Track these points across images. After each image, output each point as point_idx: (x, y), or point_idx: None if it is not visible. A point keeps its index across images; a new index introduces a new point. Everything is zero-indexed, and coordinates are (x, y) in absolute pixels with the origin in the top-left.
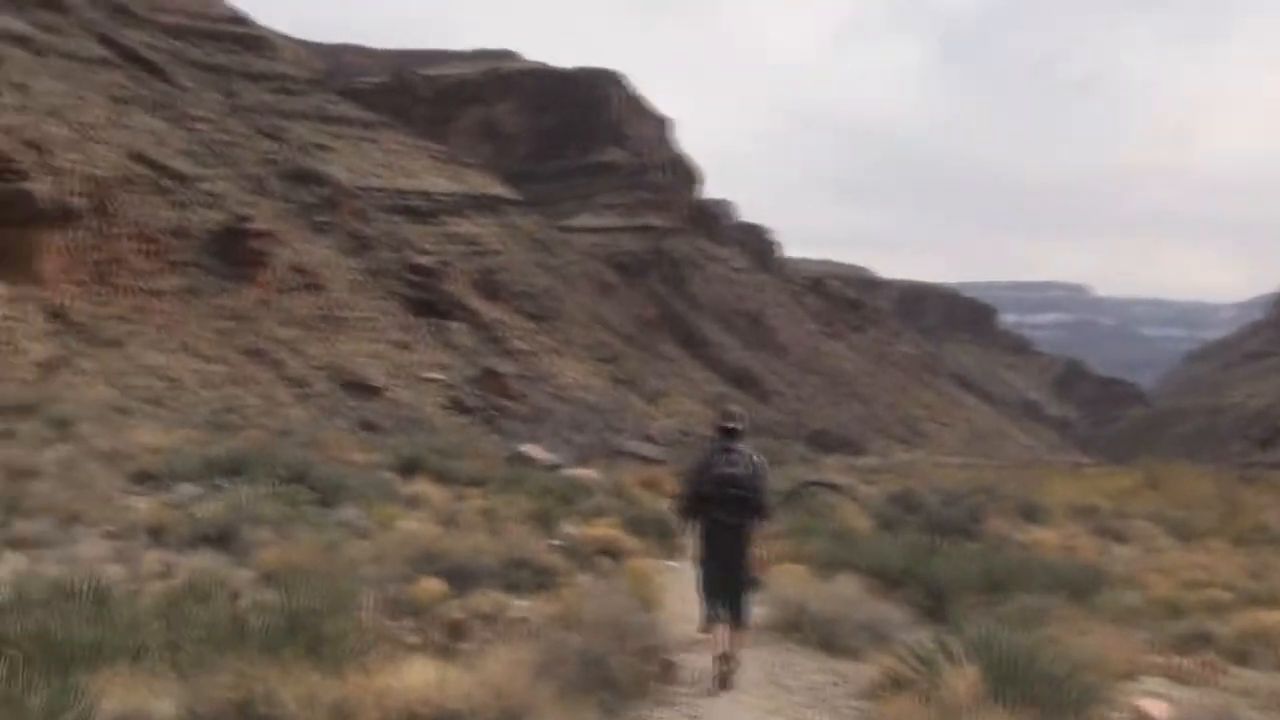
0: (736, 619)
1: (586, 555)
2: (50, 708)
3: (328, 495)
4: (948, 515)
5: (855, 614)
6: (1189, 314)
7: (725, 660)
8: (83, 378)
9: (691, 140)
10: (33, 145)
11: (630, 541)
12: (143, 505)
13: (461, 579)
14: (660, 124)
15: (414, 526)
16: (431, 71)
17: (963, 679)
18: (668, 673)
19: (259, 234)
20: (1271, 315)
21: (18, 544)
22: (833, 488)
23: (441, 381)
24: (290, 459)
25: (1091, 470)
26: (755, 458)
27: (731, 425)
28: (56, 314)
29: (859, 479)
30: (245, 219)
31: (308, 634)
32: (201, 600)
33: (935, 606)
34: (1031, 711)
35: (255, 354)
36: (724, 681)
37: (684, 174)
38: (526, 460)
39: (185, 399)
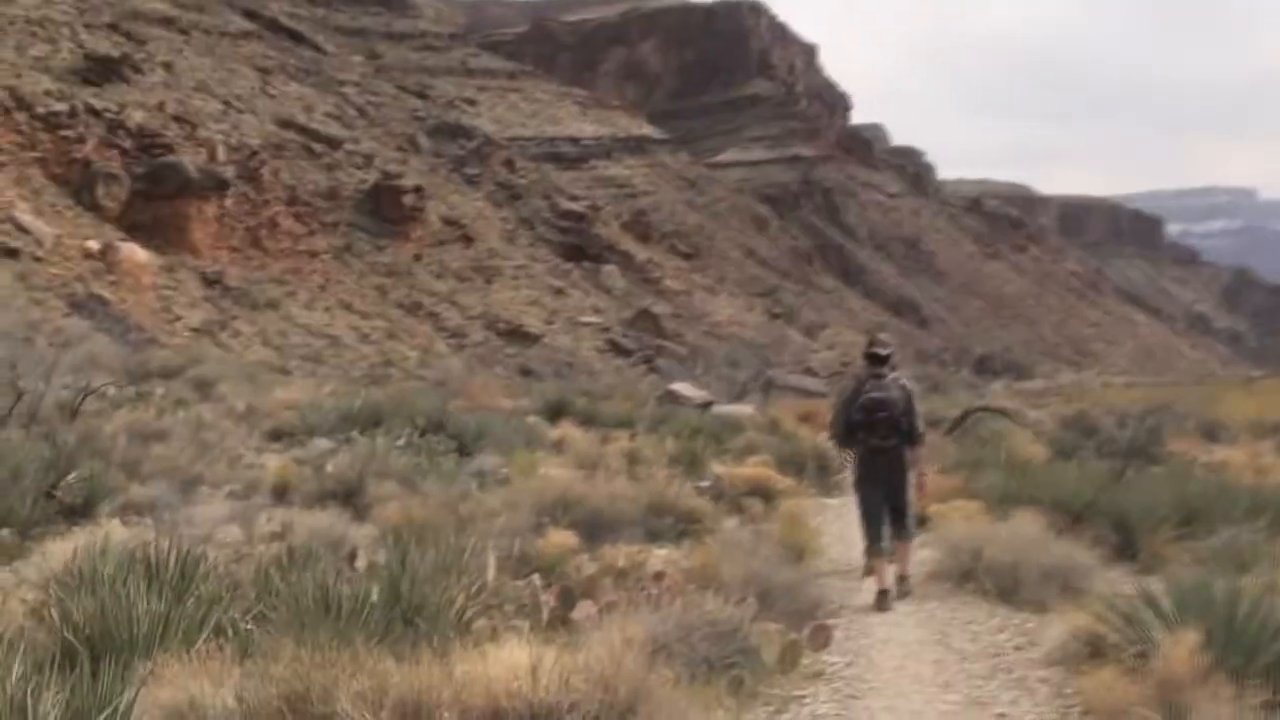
0: (900, 533)
1: (735, 497)
2: (78, 707)
3: (466, 443)
4: (1127, 438)
5: (1037, 558)
6: None
7: (885, 597)
8: (239, 340)
9: (839, 65)
10: (180, 119)
11: (783, 480)
12: (272, 462)
13: (597, 529)
14: (806, 51)
15: (554, 473)
16: (572, 17)
17: (1180, 645)
18: (821, 638)
19: (409, 190)
20: None
21: (128, 509)
22: (1002, 414)
23: (597, 325)
24: (429, 408)
25: (1269, 383)
26: (903, 382)
27: (879, 352)
28: (211, 281)
29: (1027, 404)
30: (395, 176)
31: (405, 606)
32: (304, 565)
33: (1125, 544)
34: (1268, 687)
35: (412, 308)
36: (883, 602)
37: (832, 101)
38: (677, 399)
39: (345, 356)
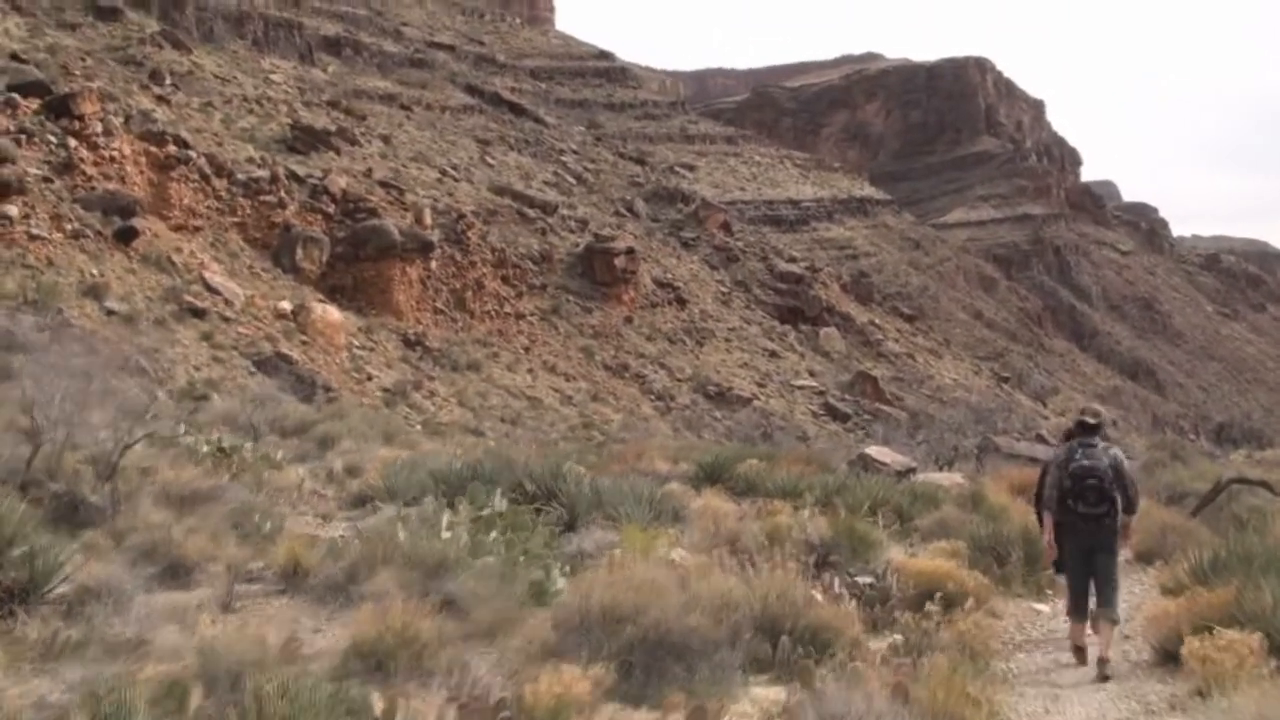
0: (1104, 608)
1: (903, 600)
2: None
3: (578, 515)
4: None
5: None
6: None
7: (1083, 653)
8: (434, 400)
9: (1067, 120)
10: (387, 185)
11: (973, 576)
12: (301, 536)
13: (658, 657)
14: (1034, 107)
15: (675, 555)
16: (794, 83)
17: None
18: None
19: (621, 252)
20: None
21: (80, 593)
22: (1265, 487)
23: (812, 388)
24: (541, 471)
25: None
26: (1114, 451)
27: (1088, 420)
28: (412, 342)
29: (1273, 475)
30: (608, 239)
31: None
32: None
33: None
34: None
35: (618, 370)
36: (1082, 657)
37: (1061, 157)
38: (871, 464)
39: (545, 417)
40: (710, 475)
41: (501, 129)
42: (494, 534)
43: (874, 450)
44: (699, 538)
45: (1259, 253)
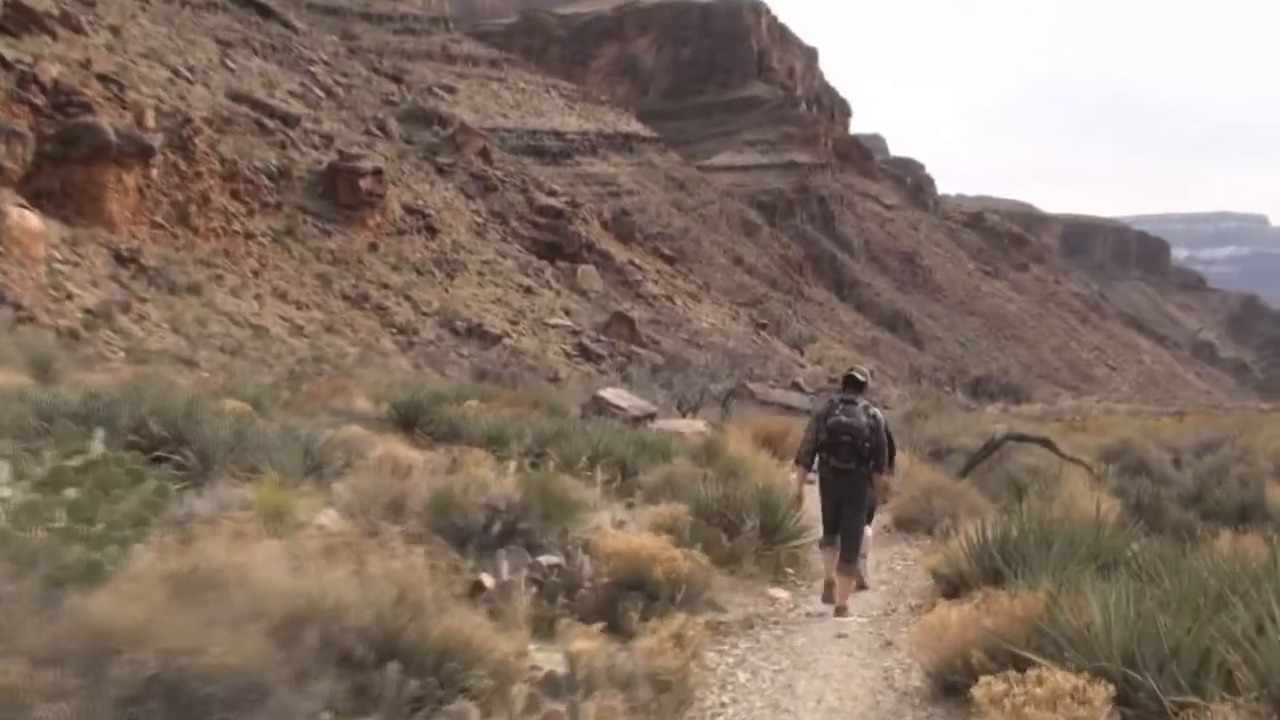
0: (844, 563)
1: (594, 590)
2: None
3: (210, 465)
4: (1234, 489)
5: None
6: None
7: (831, 587)
8: (143, 325)
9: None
10: (109, 79)
11: (690, 555)
12: None
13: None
14: (807, 55)
15: (322, 519)
16: (565, 9)
17: None
18: None
19: (368, 173)
20: None
21: None
22: (1045, 444)
23: (567, 328)
24: (169, 407)
25: None
26: (874, 410)
27: (858, 378)
28: (124, 258)
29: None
30: (354, 158)
31: None
32: None
33: None
34: None
35: (358, 300)
36: (830, 594)
37: (831, 107)
38: (605, 408)
39: (271, 349)
40: (407, 417)
41: (246, 31)
42: (71, 492)
43: (609, 393)
44: (356, 497)
45: (1023, 214)
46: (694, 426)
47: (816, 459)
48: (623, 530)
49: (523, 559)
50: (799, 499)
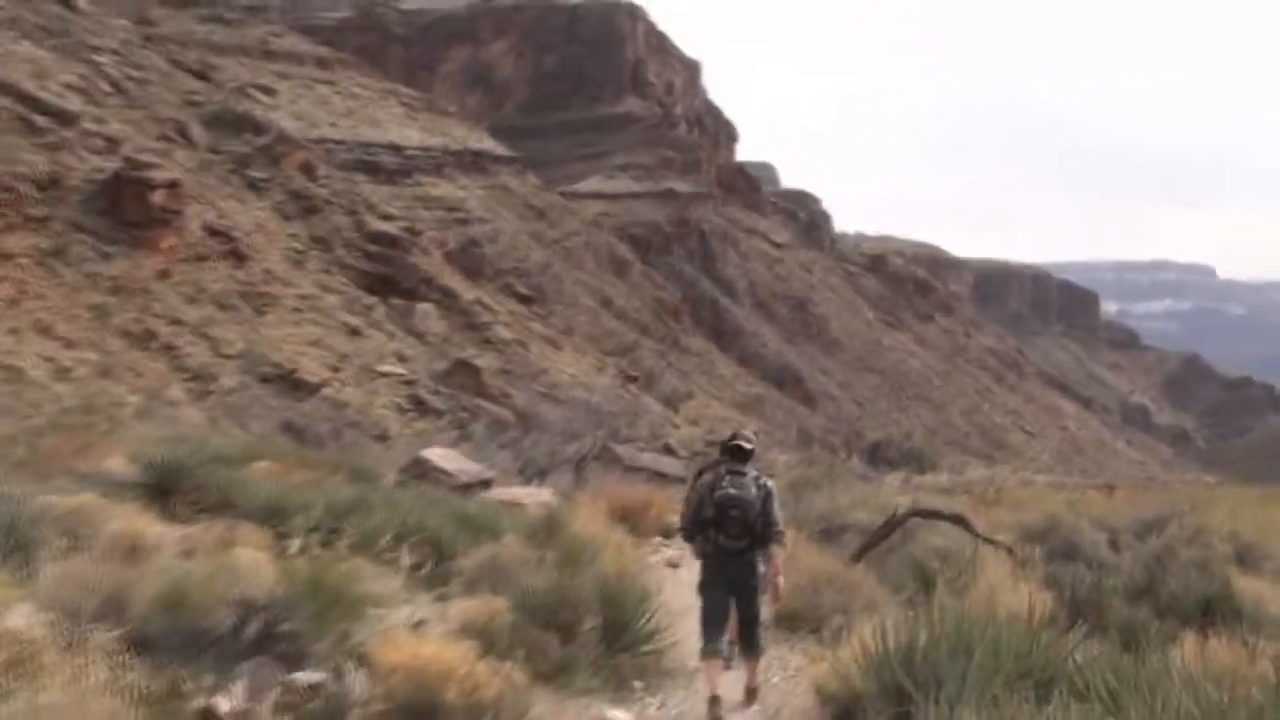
0: (748, 648)
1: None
2: None
3: None
4: (1193, 581)
5: None
6: None
7: (717, 704)
8: None
9: (726, 91)
10: None
11: (501, 670)
12: None
13: None
14: (689, 68)
15: (10, 625)
16: (409, 5)
17: None
18: None
19: (164, 185)
20: None
21: None
22: (957, 522)
23: (400, 376)
24: None
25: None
26: (763, 481)
27: (744, 445)
28: None
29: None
30: (147, 167)
31: None
32: None
33: None
34: None
35: (143, 338)
36: (716, 710)
37: (715, 130)
38: (430, 473)
39: (27, 395)
40: (165, 482)
41: (15, 9)
42: None
43: (434, 454)
44: (64, 590)
45: (929, 258)
46: (538, 496)
47: (698, 539)
48: (421, 633)
49: (271, 677)
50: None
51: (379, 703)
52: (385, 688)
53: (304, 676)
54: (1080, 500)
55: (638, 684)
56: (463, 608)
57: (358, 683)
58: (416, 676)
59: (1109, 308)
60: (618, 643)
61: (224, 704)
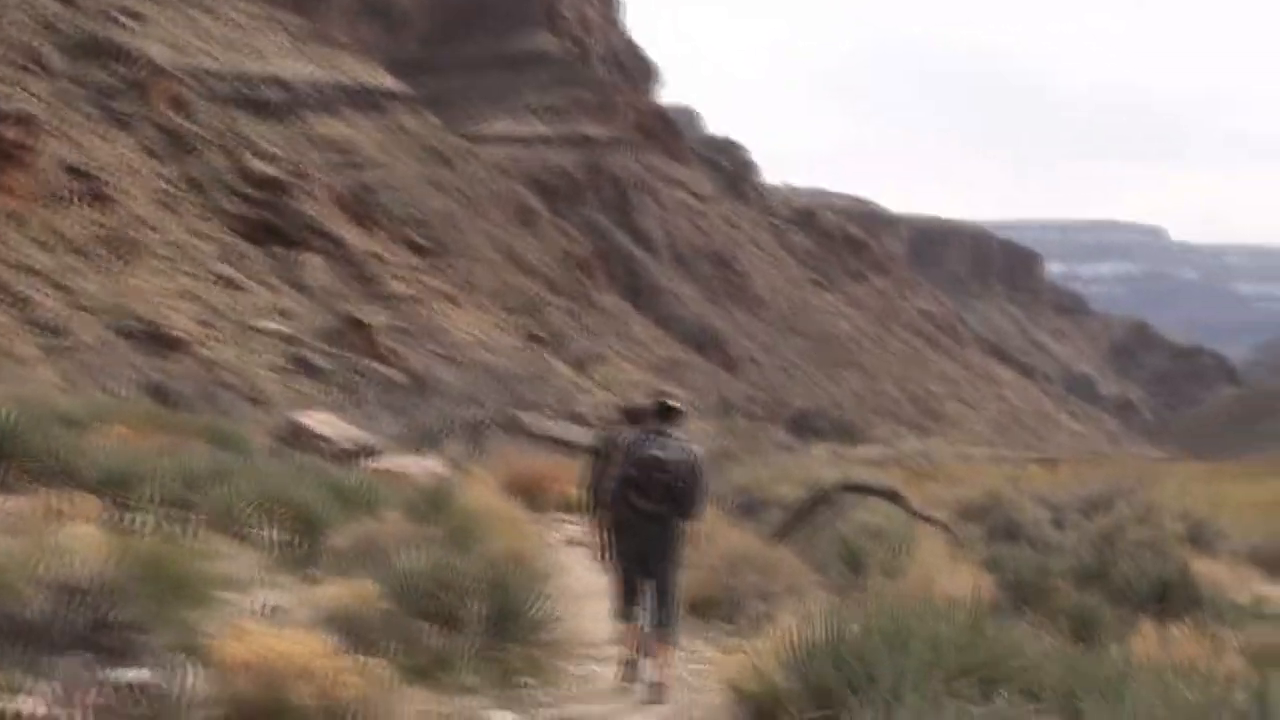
0: (661, 628)
1: None
2: None
3: None
4: (1153, 569)
5: None
6: None
7: (634, 667)
8: None
9: (648, 31)
10: None
11: (364, 665)
12: None
13: None
14: (606, 3)
15: None
16: None
17: None
18: None
19: (15, 120)
20: None
21: None
22: (890, 498)
23: (280, 334)
24: None
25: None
26: (692, 446)
27: (671, 404)
28: None
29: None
30: None
31: None
32: None
33: None
34: None
35: None
36: (632, 674)
37: (635, 70)
38: (307, 440)
39: None
40: None
41: None
42: None
43: (314, 419)
44: None
45: (863, 213)
46: (428, 467)
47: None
48: (277, 622)
49: (89, 675)
50: (605, 546)
51: (218, 706)
52: (227, 688)
53: (129, 674)
54: (1021, 475)
55: (528, 680)
56: (330, 593)
57: (194, 682)
58: (266, 675)
59: (1055, 269)
60: (507, 632)
61: (32, 706)
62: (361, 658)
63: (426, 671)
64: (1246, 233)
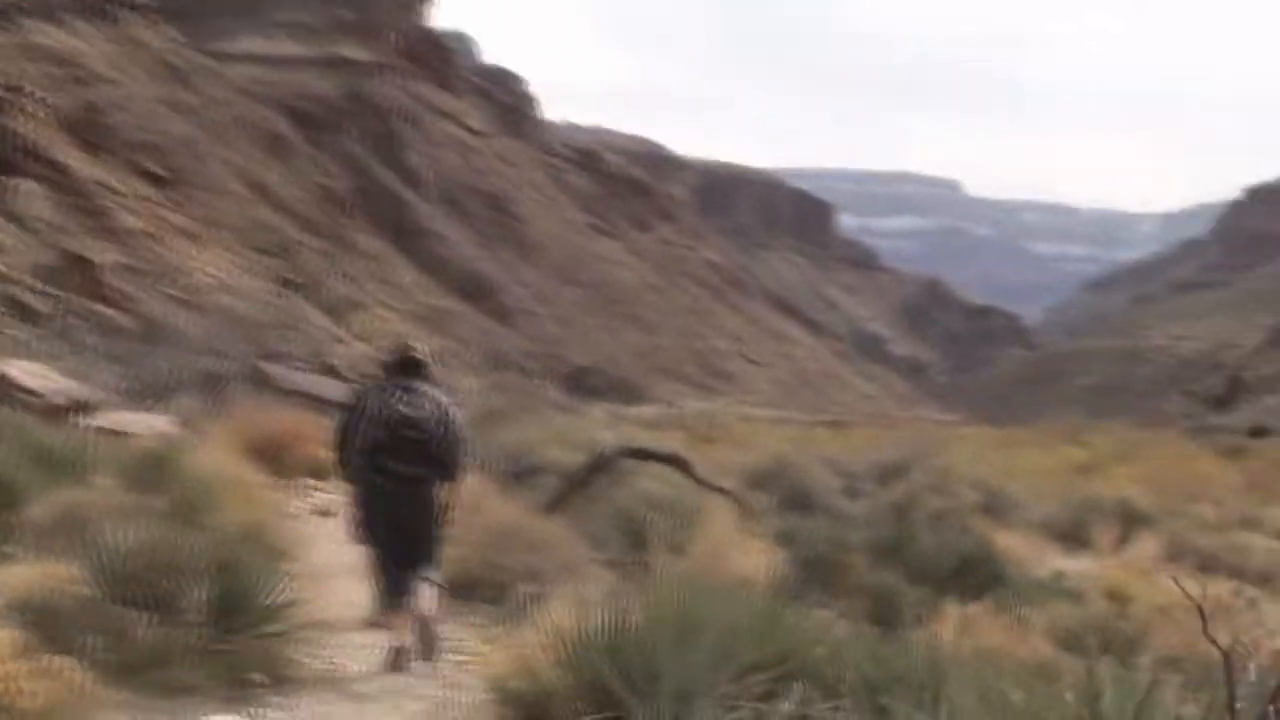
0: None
1: None
2: None
3: None
4: (953, 539)
5: None
6: (1095, 226)
7: (405, 655)
8: None
9: None
10: None
11: (67, 665)
12: None
13: None
14: None
15: None
16: None
17: None
18: None
19: None
20: (1212, 232)
21: None
22: (675, 464)
23: None
24: None
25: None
26: (443, 399)
27: (415, 356)
28: None
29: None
30: None
31: None
32: None
33: None
34: None
35: None
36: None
37: None
38: (5, 391)
39: None
40: None
41: None
42: None
43: (18, 368)
44: None
45: (650, 155)
46: (154, 425)
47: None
48: None
49: None
50: (357, 520)
51: None
52: None
53: None
54: (808, 438)
55: (259, 676)
56: (20, 576)
57: None
58: None
59: (849, 222)
60: (236, 621)
61: None
62: (53, 656)
63: (136, 670)
64: (1044, 190)
